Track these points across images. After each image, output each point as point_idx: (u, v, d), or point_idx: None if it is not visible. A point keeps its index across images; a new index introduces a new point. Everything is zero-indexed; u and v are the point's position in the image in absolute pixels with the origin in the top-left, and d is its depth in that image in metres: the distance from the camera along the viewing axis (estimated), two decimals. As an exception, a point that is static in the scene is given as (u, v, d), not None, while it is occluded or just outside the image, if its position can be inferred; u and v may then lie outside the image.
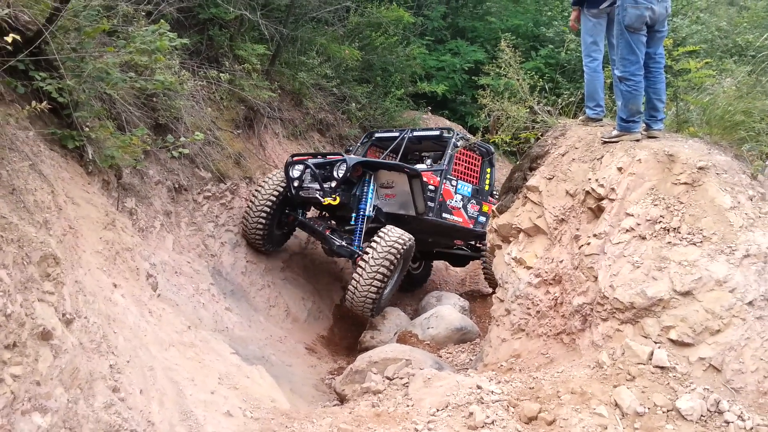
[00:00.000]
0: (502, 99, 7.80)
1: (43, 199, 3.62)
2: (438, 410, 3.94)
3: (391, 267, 7.04)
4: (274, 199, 7.90)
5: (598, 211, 4.67)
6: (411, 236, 7.36)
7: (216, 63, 8.81)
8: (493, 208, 6.32)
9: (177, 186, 7.03)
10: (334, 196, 7.45)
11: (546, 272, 4.85)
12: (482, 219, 9.21)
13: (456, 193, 8.86)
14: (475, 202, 9.20)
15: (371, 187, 7.74)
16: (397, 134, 9.30)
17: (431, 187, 8.34)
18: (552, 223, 5.03)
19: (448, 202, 8.69)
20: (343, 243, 7.60)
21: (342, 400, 5.46)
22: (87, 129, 5.03)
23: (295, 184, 7.75)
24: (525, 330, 4.91)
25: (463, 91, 15.39)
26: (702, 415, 3.47)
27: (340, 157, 7.69)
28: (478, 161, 9.45)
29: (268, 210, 7.83)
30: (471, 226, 9.09)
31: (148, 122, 6.77)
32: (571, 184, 4.99)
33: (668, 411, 3.51)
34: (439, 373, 4.69)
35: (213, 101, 8.44)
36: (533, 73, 9.32)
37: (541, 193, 5.20)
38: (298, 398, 5.54)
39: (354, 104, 11.49)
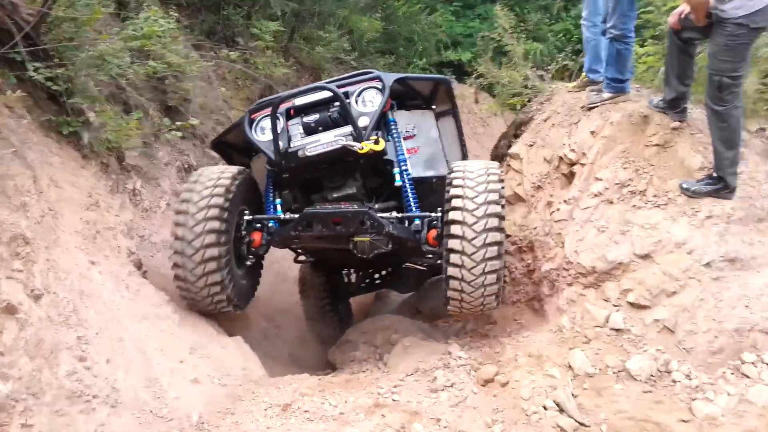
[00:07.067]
0: (514, 65, 7.70)
1: (24, 183, 3.86)
2: (407, 375, 4.07)
3: (502, 217, 3.91)
4: (221, 200, 4.26)
5: (570, 177, 4.65)
6: (496, 162, 4.41)
7: (233, 42, 8.99)
8: None
9: (186, 166, 7.24)
10: (375, 138, 4.23)
11: (521, 239, 4.86)
12: None
13: None
14: None
15: (397, 129, 4.57)
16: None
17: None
18: (530, 191, 5.02)
19: None
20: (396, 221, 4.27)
21: (334, 369, 5.62)
22: (85, 115, 5.30)
23: (281, 142, 4.37)
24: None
25: (492, 57, 15.10)
26: (651, 375, 3.50)
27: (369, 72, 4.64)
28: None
29: (217, 224, 4.19)
30: None
31: (158, 105, 7.00)
32: (549, 150, 4.97)
33: (618, 372, 3.55)
34: (420, 342, 4.78)
35: (227, 81, 8.62)
36: (562, 35, 9.10)
37: (522, 160, 5.19)
38: (297, 369, 5.69)
39: (375, 77, 11.47)
